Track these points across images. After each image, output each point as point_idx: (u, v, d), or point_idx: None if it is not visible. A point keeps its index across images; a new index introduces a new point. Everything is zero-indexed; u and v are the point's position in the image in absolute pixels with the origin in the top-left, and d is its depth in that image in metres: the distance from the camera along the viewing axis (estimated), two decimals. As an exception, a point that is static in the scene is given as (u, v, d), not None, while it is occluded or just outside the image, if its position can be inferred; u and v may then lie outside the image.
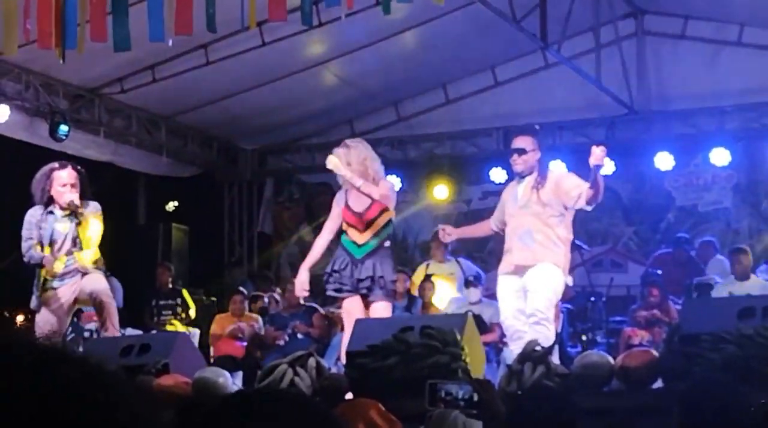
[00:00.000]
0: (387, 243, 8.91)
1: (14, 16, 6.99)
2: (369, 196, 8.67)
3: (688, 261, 13.23)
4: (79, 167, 8.71)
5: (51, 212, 8.46)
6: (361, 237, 8.75)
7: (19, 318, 16.55)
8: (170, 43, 7.54)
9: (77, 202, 8.40)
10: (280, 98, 14.32)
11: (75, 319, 11.94)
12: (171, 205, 16.57)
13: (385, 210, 8.79)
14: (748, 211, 14.44)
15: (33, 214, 8.50)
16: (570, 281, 8.80)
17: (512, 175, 14.49)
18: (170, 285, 13.92)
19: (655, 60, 14.46)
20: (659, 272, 12.77)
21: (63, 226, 8.47)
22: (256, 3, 7.69)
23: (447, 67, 14.78)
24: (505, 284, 8.60)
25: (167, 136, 14.89)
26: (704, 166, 14.34)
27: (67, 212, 8.42)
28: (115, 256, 14.00)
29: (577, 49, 13.68)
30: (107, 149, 14.05)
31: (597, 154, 8.15)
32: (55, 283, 8.49)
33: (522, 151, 8.58)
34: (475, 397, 4.67)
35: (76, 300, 8.66)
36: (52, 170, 8.51)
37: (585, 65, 13.45)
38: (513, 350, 8.25)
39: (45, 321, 8.50)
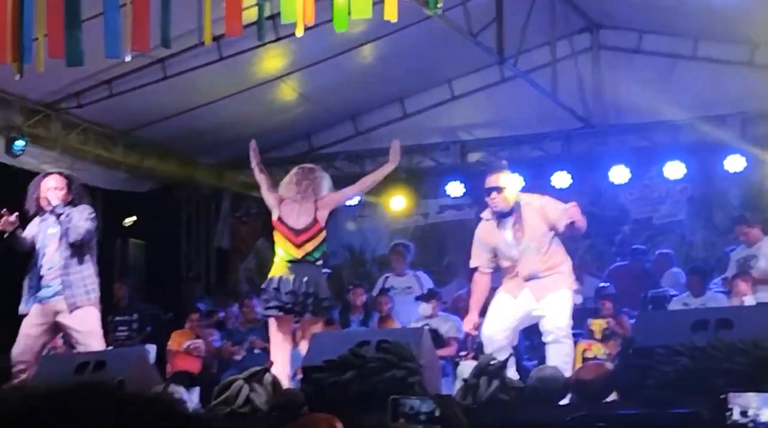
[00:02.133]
0: (320, 262, 9.19)
1: (-33, 33, 6.95)
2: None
3: (644, 274, 13.33)
4: (68, 173, 8.77)
5: (44, 220, 8.57)
6: (297, 252, 9.05)
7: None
8: (128, 58, 7.52)
9: (54, 202, 8.46)
10: (238, 113, 14.29)
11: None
12: (129, 220, 16.49)
13: (322, 229, 9.12)
14: (702, 224, 14.56)
15: (31, 224, 8.64)
16: (579, 300, 8.96)
17: (470, 188, 14.74)
18: (127, 301, 13.85)
19: (610, 74, 14.55)
20: (612, 284, 12.85)
21: (52, 229, 8.53)
22: (212, 18, 7.69)
23: (404, 81, 14.82)
24: (502, 301, 8.71)
25: (124, 151, 14.83)
26: (659, 179, 14.45)
27: (53, 216, 8.50)
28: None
29: (533, 63, 13.77)
30: (64, 164, 13.90)
31: (573, 213, 8.38)
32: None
33: (498, 190, 8.63)
34: (437, 412, 4.70)
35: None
36: (42, 177, 8.68)
37: (541, 79, 13.53)
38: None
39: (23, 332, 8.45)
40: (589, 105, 14.35)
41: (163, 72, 12.79)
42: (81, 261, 8.53)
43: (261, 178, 9.58)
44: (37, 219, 8.63)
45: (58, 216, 8.48)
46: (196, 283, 16.35)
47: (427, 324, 11.61)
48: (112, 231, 16.04)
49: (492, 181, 8.78)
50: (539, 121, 14.52)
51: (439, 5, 7.27)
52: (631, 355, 6.89)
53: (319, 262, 9.22)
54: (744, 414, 5.62)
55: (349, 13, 7.02)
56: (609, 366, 7.29)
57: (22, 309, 8.55)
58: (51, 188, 8.56)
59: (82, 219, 8.51)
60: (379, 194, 15.51)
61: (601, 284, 12.99)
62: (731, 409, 5.50)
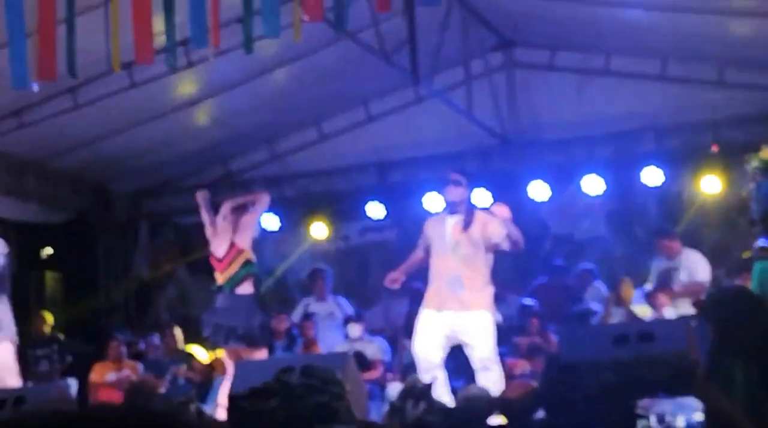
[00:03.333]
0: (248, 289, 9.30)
1: None
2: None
3: (566, 290, 13.37)
4: None
5: None
6: (221, 277, 9.24)
7: None
8: (35, 88, 7.36)
9: None
10: (152, 140, 14.14)
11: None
12: (45, 252, 16.21)
13: (241, 251, 9.28)
14: (622, 238, 14.63)
15: None
16: (499, 318, 9.10)
17: (390, 209, 14.73)
18: (47, 334, 13.63)
19: (525, 91, 14.61)
20: (536, 302, 12.88)
21: None
22: (122, 45, 7.57)
23: (320, 103, 14.75)
24: (429, 318, 8.81)
25: (37, 182, 14.56)
26: (578, 194, 14.48)
27: None
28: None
29: (448, 82, 13.77)
30: (-27, 196, 13.71)
31: (501, 211, 8.62)
32: None
33: (457, 183, 8.83)
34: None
35: None
36: None
37: (457, 98, 13.53)
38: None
39: None
40: (505, 122, 14.39)
41: (74, 100, 12.59)
42: None
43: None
44: None
45: None
46: (116, 314, 16.10)
47: (353, 348, 11.54)
48: (27, 264, 15.76)
49: (454, 176, 9.05)
50: (457, 139, 14.52)
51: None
52: (555, 371, 6.87)
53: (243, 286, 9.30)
54: (661, 420, 5.64)
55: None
56: (534, 383, 7.27)
57: None
58: None
59: None
60: (299, 217, 15.42)
61: (526, 301, 13.00)
62: (647, 417, 5.52)
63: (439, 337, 8.84)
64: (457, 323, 8.80)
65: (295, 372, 7.11)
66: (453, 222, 9.01)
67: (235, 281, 9.31)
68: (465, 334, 8.77)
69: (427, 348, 8.82)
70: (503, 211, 8.84)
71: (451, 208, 9.15)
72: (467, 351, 8.87)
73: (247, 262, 9.45)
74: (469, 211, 9.05)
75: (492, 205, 9.03)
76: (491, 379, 8.58)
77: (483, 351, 8.75)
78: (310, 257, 15.44)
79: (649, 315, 11.45)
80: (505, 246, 8.97)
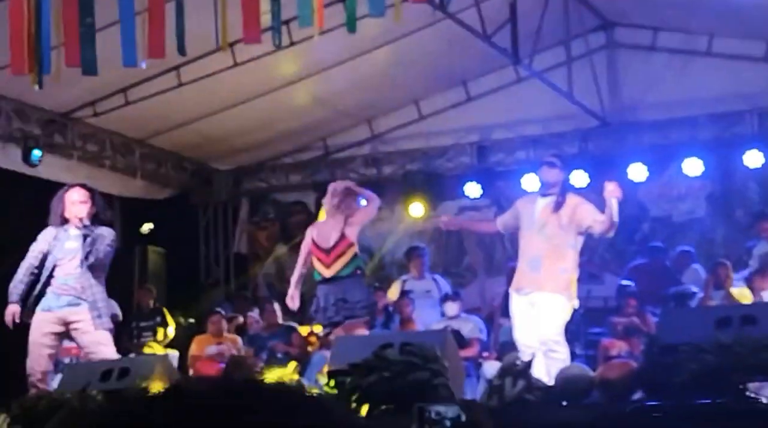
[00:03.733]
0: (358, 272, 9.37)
1: (-15, 44, 6.97)
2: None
3: (664, 271, 13.26)
4: (89, 185, 8.76)
5: (65, 231, 8.47)
6: (327, 271, 9.25)
7: None
8: (144, 66, 7.52)
9: (85, 218, 8.43)
10: (253, 118, 14.31)
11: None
12: (146, 228, 16.51)
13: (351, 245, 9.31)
14: (722, 221, 14.47)
15: (44, 234, 8.53)
16: (576, 304, 8.99)
17: (488, 189, 14.74)
18: (150, 307, 13.92)
19: (626, 72, 14.51)
20: (633, 283, 12.80)
21: (71, 244, 8.44)
22: (228, 23, 7.69)
23: (419, 83, 14.81)
24: (516, 301, 8.84)
25: (141, 159, 14.86)
26: (677, 176, 14.36)
27: (78, 231, 8.42)
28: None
29: (548, 62, 13.73)
30: (81, 173, 13.96)
31: (611, 189, 8.50)
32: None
33: (552, 165, 8.78)
34: (463, 417, 4.70)
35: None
36: (65, 191, 8.58)
37: (557, 78, 13.49)
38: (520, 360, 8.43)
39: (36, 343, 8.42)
40: (605, 103, 14.30)
41: (178, 79, 12.81)
42: (96, 283, 8.50)
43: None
44: (52, 230, 8.52)
45: (85, 236, 8.44)
46: (215, 289, 16.35)
47: (449, 326, 11.60)
48: (131, 239, 16.07)
49: (549, 158, 9.22)
50: (556, 120, 14.50)
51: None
52: (656, 353, 6.87)
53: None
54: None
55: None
56: (633, 364, 7.27)
57: (15, 314, 8.37)
58: (75, 202, 8.48)
59: (104, 243, 8.49)
60: (397, 196, 15.49)
61: (623, 282, 12.93)
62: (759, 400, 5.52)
63: (528, 318, 8.81)
64: (532, 303, 8.77)
65: (394, 349, 7.20)
66: (544, 203, 8.95)
67: (344, 276, 9.35)
68: (537, 312, 8.71)
69: (529, 337, 8.79)
70: (614, 189, 8.70)
71: (544, 189, 9.07)
72: (538, 329, 8.76)
73: (355, 256, 9.47)
74: (562, 192, 8.96)
75: (606, 182, 8.88)
76: (555, 360, 8.49)
77: (547, 332, 8.65)
78: (408, 236, 15.51)
79: (749, 299, 11.33)
80: (596, 230, 8.85)
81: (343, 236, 9.33)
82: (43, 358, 8.38)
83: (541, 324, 8.67)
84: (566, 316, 8.85)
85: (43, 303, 8.41)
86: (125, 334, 13.51)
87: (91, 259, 8.41)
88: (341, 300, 9.18)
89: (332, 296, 9.23)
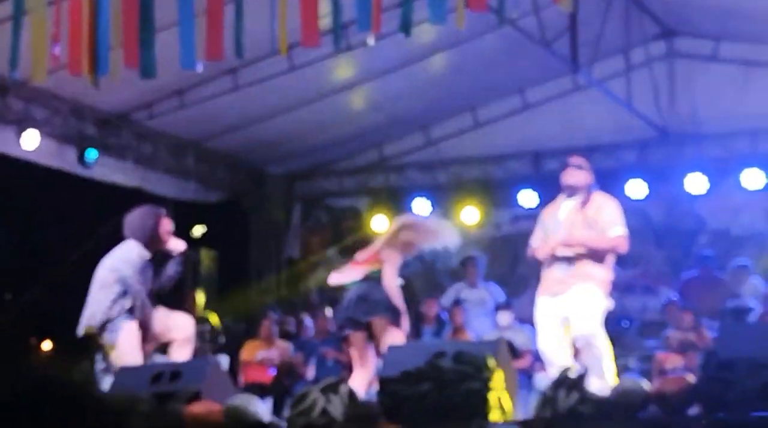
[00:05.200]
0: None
1: (43, 43, 6.97)
2: None
3: (716, 283, 13.08)
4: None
5: (143, 254, 8.52)
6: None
7: (45, 346, 16.53)
8: (200, 68, 7.49)
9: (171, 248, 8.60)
10: (308, 123, 14.28)
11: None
12: (198, 230, 16.51)
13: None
14: (782, 234, 14.30)
15: (137, 251, 8.52)
16: (611, 304, 8.71)
17: (544, 198, 14.60)
18: (198, 312, 13.93)
19: (686, 82, 14.34)
20: (687, 297, 12.65)
21: (149, 269, 8.55)
22: (286, 27, 7.64)
23: (476, 90, 14.71)
24: (544, 307, 8.61)
25: (195, 162, 14.87)
26: (737, 188, 14.18)
27: (149, 256, 8.51)
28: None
29: (607, 71, 13.59)
30: (135, 175, 14.03)
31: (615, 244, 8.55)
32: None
33: (578, 167, 8.60)
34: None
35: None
36: (160, 214, 8.66)
37: (616, 87, 13.36)
38: (549, 374, 8.25)
39: (133, 357, 8.45)
40: (664, 113, 14.14)
41: (234, 82, 12.82)
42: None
43: None
44: (142, 252, 8.54)
45: (163, 261, 8.54)
46: (266, 294, 16.34)
47: (502, 336, 11.50)
48: (184, 241, 16.10)
49: (573, 159, 8.80)
50: (614, 130, 14.36)
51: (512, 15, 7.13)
52: (713, 368, 6.74)
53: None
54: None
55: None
56: (690, 378, 7.13)
57: (110, 337, 8.44)
58: (170, 232, 8.66)
59: (176, 273, 8.69)
60: (451, 204, 15.42)
61: (674, 296, 12.78)
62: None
63: (556, 327, 8.59)
64: (566, 302, 8.53)
65: (447, 358, 7.12)
66: (569, 204, 8.76)
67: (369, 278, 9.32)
68: (571, 307, 8.47)
69: (554, 348, 8.60)
70: (618, 243, 8.54)
71: (569, 192, 8.84)
72: (570, 324, 8.54)
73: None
74: (588, 192, 8.77)
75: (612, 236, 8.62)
76: (595, 357, 8.28)
77: (584, 326, 8.42)
78: (461, 244, 15.40)
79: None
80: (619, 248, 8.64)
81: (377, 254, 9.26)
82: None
83: (578, 319, 8.45)
84: (602, 310, 8.61)
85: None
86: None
87: (157, 285, 8.61)
88: (362, 297, 9.06)
89: (354, 294, 9.14)
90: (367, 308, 9.03)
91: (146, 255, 8.50)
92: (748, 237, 14.45)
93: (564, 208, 8.77)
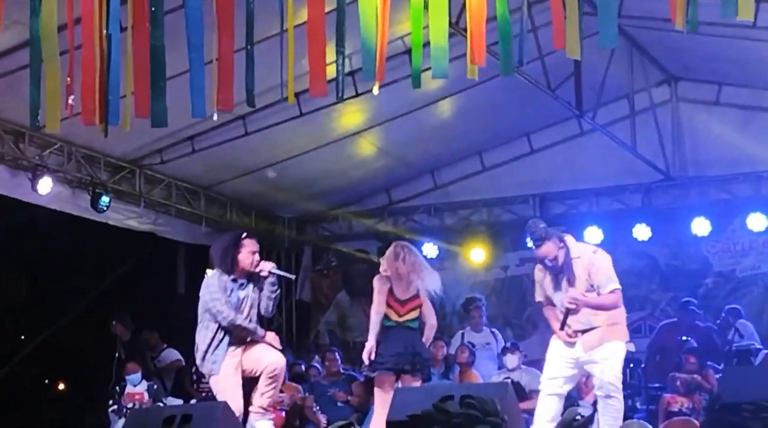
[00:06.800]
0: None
1: (57, 94, 7.09)
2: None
3: (693, 330, 13.12)
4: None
5: (234, 279, 8.48)
6: (399, 318, 9.28)
7: (60, 386, 16.67)
8: (215, 118, 7.63)
9: (259, 267, 8.53)
10: (317, 167, 14.43)
11: (118, 396, 12.07)
12: (210, 273, 16.62)
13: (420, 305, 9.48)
14: (786, 275, 14.41)
15: (219, 278, 8.48)
16: (632, 347, 8.73)
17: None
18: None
19: (689, 126, 14.52)
20: (686, 338, 12.71)
21: (243, 292, 8.51)
22: (294, 74, 7.80)
23: (483, 135, 14.89)
24: (557, 349, 8.59)
25: (206, 206, 15.03)
26: (741, 231, 14.33)
27: (244, 279, 8.49)
28: (155, 324, 14.20)
29: (612, 116, 13.79)
30: (147, 219, 14.18)
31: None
32: (237, 350, 8.51)
33: (550, 259, 8.39)
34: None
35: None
36: (241, 237, 8.61)
37: (620, 132, 13.54)
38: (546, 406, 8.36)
39: (231, 386, 8.51)
40: (668, 157, 14.32)
41: (244, 128, 12.98)
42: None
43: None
44: (224, 278, 8.48)
45: (257, 284, 8.56)
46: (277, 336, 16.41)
47: (509, 378, 11.60)
48: (195, 285, 16.20)
49: (540, 254, 8.55)
50: (619, 173, 14.51)
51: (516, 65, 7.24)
52: (717, 411, 6.83)
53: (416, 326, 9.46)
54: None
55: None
56: (695, 422, 7.24)
57: (210, 367, 8.53)
58: (255, 252, 8.57)
59: (273, 293, 8.64)
60: (459, 246, 15.55)
61: (684, 338, 12.84)
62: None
63: (564, 366, 8.60)
64: (584, 352, 8.53)
65: (454, 401, 7.21)
66: (559, 278, 8.65)
67: (406, 326, 9.45)
68: (591, 358, 8.47)
69: (549, 374, 8.64)
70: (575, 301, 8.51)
71: (551, 270, 8.73)
72: (592, 375, 8.57)
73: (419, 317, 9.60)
74: (567, 263, 8.58)
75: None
76: (612, 407, 8.35)
77: (607, 376, 8.39)
78: (469, 286, 15.53)
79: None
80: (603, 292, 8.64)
81: (418, 293, 9.48)
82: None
83: (602, 371, 8.49)
84: (623, 358, 8.64)
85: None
86: (186, 379, 13.62)
87: (263, 308, 8.59)
88: (410, 348, 9.26)
89: (402, 342, 9.28)
90: (412, 361, 9.24)
91: (226, 279, 8.44)
92: (753, 279, 14.56)
93: (559, 283, 8.61)
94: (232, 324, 8.39)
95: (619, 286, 8.38)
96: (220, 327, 8.43)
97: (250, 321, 8.48)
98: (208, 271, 8.60)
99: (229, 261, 8.47)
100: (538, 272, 8.74)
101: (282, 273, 8.89)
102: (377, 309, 9.43)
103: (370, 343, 9.32)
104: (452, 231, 15.77)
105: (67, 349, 14.84)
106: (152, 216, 14.24)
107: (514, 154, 15.34)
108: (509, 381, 10.78)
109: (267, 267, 8.59)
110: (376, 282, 9.53)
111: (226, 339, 8.45)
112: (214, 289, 8.45)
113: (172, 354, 14.04)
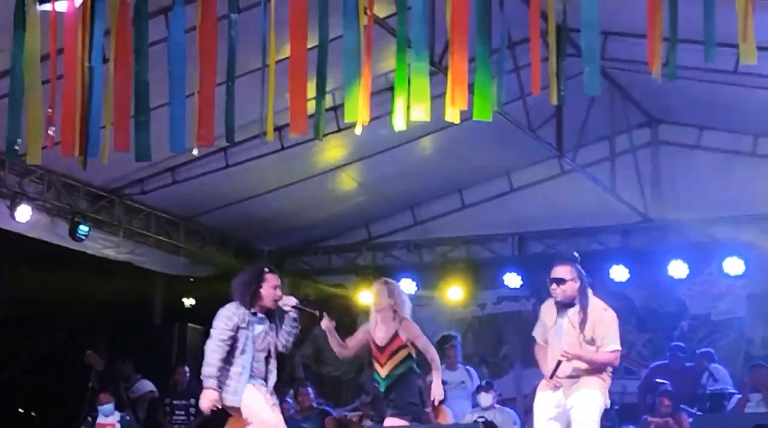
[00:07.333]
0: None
1: (38, 126, 7.10)
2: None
3: (684, 372, 13.14)
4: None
5: (254, 314, 8.44)
6: (382, 370, 9.24)
7: (32, 415, 16.53)
8: (195, 152, 7.64)
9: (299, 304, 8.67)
10: (297, 201, 14.45)
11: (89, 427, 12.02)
12: (188, 302, 16.63)
13: (403, 346, 9.29)
14: (762, 321, 14.43)
15: (235, 312, 8.43)
16: (608, 403, 8.71)
17: (527, 280, 14.74)
18: (185, 386, 13.94)
19: (669, 169, 14.58)
20: (662, 381, 12.72)
21: (261, 327, 8.47)
22: (275, 110, 7.82)
23: (463, 172, 14.91)
24: (544, 399, 8.56)
25: (185, 237, 15.02)
26: (718, 274, 14.39)
27: (263, 314, 8.47)
28: (130, 355, 14.15)
29: (592, 157, 13.84)
30: (125, 249, 14.15)
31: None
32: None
33: (561, 281, 8.40)
34: None
35: None
36: (264, 272, 8.60)
37: (600, 173, 13.59)
38: None
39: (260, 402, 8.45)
40: (647, 199, 14.38)
41: (225, 160, 13.00)
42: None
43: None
44: (241, 312, 8.44)
45: (274, 319, 8.56)
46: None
47: (483, 417, 11.58)
48: (171, 317, 16.21)
49: (556, 271, 8.54)
50: (598, 214, 14.54)
51: (494, 108, 7.23)
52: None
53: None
54: None
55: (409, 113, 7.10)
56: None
57: (226, 399, 8.52)
58: (277, 286, 8.58)
59: (294, 329, 8.71)
60: (437, 283, 15.56)
61: (658, 380, 12.85)
62: None
63: (553, 413, 8.60)
64: (564, 397, 8.51)
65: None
66: (569, 319, 8.58)
67: (394, 378, 9.37)
68: (573, 411, 8.46)
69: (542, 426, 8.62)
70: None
71: (561, 305, 8.71)
72: (570, 423, 8.57)
73: (408, 357, 9.49)
74: (583, 304, 8.53)
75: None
76: None
77: (583, 424, 8.43)
78: (446, 323, 15.53)
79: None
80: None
81: (396, 335, 9.38)
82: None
83: (578, 421, 8.48)
84: (601, 408, 8.65)
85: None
86: (159, 411, 13.58)
87: (281, 345, 8.63)
88: (391, 398, 9.22)
89: (414, 384, 9.28)
90: (393, 408, 9.21)
91: (244, 312, 8.39)
92: (729, 322, 14.61)
93: (564, 322, 8.59)
94: (205, 374, 8.40)
95: (620, 348, 8.32)
96: (233, 361, 8.40)
97: (268, 356, 8.46)
98: (228, 305, 8.55)
99: (251, 295, 8.44)
100: (546, 309, 8.65)
101: (306, 308, 8.85)
102: (343, 347, 9.44)
103: None
104: (431, 268, 15.77)
105: (40, 377, 14.72)
106: (130, 246, 14.21)
107: (494, 192, 15.37)
108: (483, 420, 10.75)
109: (291, 302, 8.58)
110: (361, 332, 9.55)
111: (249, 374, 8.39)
112: (222, 323, 8.40)
113: (146, 385, 14.00)
